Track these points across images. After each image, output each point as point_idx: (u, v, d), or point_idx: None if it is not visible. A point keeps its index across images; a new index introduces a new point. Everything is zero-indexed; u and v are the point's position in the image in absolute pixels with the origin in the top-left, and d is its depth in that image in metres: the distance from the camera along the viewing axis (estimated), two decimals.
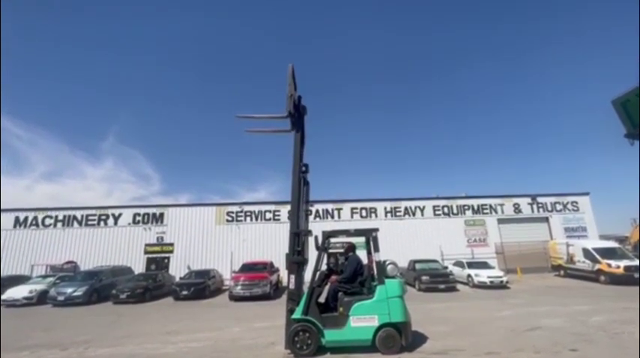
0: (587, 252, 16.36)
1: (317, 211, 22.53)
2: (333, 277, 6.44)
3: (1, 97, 53.65)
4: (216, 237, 21.48)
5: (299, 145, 6.63)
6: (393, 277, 6.11)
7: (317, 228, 19.51)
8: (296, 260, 6.11)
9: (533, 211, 23.47)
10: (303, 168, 6.74)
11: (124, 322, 9.75)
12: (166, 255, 21.06)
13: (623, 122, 3.30)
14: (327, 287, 6.53)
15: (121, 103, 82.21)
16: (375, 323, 5.72)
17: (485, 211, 23.24)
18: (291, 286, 6.05)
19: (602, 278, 15.12)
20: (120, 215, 21.71)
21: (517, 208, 23.45)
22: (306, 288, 6.16)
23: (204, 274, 16.12)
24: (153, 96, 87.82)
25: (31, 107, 76.65)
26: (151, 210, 22.01)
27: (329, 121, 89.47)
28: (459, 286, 15.23)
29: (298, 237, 6.24)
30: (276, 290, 15.12)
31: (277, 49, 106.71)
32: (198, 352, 6.32)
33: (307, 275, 6.24)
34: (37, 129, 67.96)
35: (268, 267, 15.64)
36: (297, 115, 6.69)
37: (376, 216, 22.71)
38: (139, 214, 21.81)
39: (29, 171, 67.86)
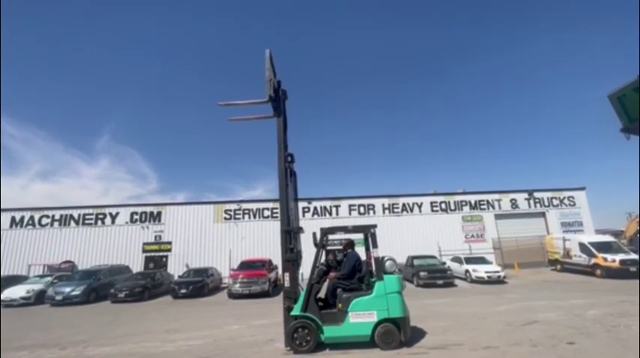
0: (583, 247, 16.50)
1: (315, 208, 22.58)
2: (332, 273, 6.45)
3: (0, 97, 53.05)
4: (214, 236, 21.46)
5: (282, 131, 6.55)
6: (391, 273, 6.13)
7: (315, 225, 19.52)
8: (289, 257, 6.09)
9: (530, 206, 23.63)
10: (289, 158, 6.68)
11: (123, 321, 9.73)
12: (164, 253, 21.04)
13: (620, 116, 3.31)
14: (325, 284, 6.54)
15: (115, 101, 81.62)
16: (374, 319, 5.73)
17: (482, 207, 23.37)
18: (287, 284, 6.05)
19: (599, 272, 15.26)
20: (117, 214, 21.62)
21: (514, 204, 23.59)
22: (304, 285, 6.16)
23: (203, 272, 16.12)
24: (149, 93, 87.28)
25: (24, 105, 75.95)
26: (148, 209, 21.95)
27: (328, 120, 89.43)
28: (457, 281, 15.30)
29: (289, 235, 6.23)
30: (275, 287, 15.14)
31: (275, 48, 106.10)
32: (198, 350, 6.32)
33: (306, 272, 6.24)
34: (30, 127, 67.32)
35: (267, 265, 15.66)
36: (278, 100, 6.61)
37: (374, 212, 22.77)
38: (136, 213, 21.74)
39: (24, 170, 67.31)
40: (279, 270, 16.61)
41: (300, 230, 6.56)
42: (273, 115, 6.61)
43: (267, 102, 6.36)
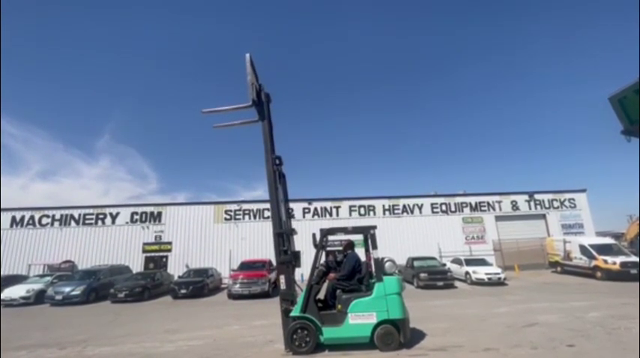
0: (583, 249, 16.46)
1: (315, 209, 22.57)
2: (332, 274, 6.44)
3: (0, 97, 53.17)
4: (214, 236, 21.46)
5: (268, 135, 6.52)
6: (391, 274, 6.12)
7: (315, 225, 19.48)
8: (284, 260, 6.08)
9: (530, 208, 23.61)
10: (277, 161, 6.65)
11: (123, 321, 9.73)
12: (164, 253, 21.04)
13: (620, 119, 3.31)
14: (325, 285, 6.54)
15: (115, 101, 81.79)
16: (374, 320, 5.72)
17: (483, 208, 23.34)
18: (283, 286, 6.04)
19: (599, 274, 15.21)
20: (117, 214, 21.64)
21: (515, 205, 23.57)
22: (304, 286, 6.15)
23: (203, 273, 16.11)
24: (149, 94, 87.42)
25: (24, 105, 76.10)
26: (148, 209, 21.97)
27: (329, 122, 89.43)
28: (457, 283, 15.28)
29: (282, 237, 6.21)
30: (275, 288, 15.08)
31: (275, 50, 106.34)
32: (198, 350, 6.32)
33: (306, 273, 6.21)
34: (30, 127, 67.53)
35: (267, 265, 15.64)
36: (262, 104, 6.58)
37: (374, 213, 22.76)
38: (136, 213, 21.75)
39: (24, 169, 67.50)
40: None
41: (292, 231, 6.52)
42: (257, 119, 6.59)
43: (250, 106, 6.31)
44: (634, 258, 14.98)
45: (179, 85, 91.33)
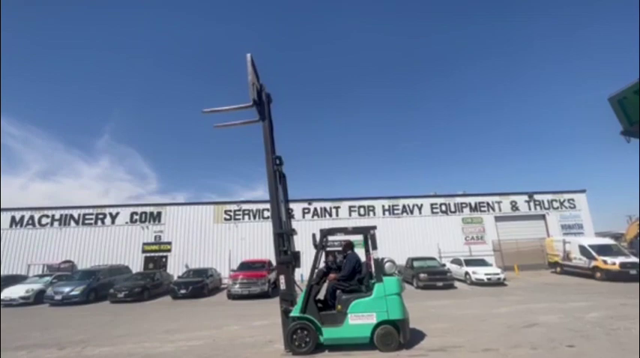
0: (583, 249, 16.47)
1: (315, 209, 22.57)
2: (332, 275, 6.43)
3: (0, 97, 53.13)
4: (214, 236, 21.46)
5: (268, 135, 6.52)
6: (391, 275, 6.11)
7: (315, 226, 19.46)
8: (283, 260, 6.08)
9: (530, 209, 23.61)
10: (277, 161, 6.63)
11: (122, 321, 9.71)
12: (164, 253, 21.04)
13: (620, 119, 3.31)
14: (325, 285, 6.54)
15: (115, 101, 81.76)
16: (373, 321, 5.72)
17: (482, 209, 23.35)
18: (282, 286, 6.03)
19: (598, 274, 15.22)
20: (117, 214, 21.63)
21: (514, 206, 23.57)
22: (304, 286, 6.16)
23: (202, 273, 16.10)
24: (149, 94, 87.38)
25: (24, 105, 76.03)
26: (148, 209, 21.96)
27: (329, 123, 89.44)
28: (457, 283, 15.28)
29: (282, 238, 6.21)
30: (275, 288, 15.09)
31: (275, 50, 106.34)
32: (197, 350, 6.31)
33: (306, 273, 6.21)
34: (30, 127, 67.54)
35: (267, 266, 15.63)
36: (262, 104, 6.56)
37: (374, 214, 22.77)
38: (136, 213, 21.74)
39: (24, 169, 67.48)
40: None
41: (293, 232, 6.52)
42: (258, 119, 6.58)
43: (251, 106, 6.29)
44: (633, 259, 14.99)
45: (179, 85, 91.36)
